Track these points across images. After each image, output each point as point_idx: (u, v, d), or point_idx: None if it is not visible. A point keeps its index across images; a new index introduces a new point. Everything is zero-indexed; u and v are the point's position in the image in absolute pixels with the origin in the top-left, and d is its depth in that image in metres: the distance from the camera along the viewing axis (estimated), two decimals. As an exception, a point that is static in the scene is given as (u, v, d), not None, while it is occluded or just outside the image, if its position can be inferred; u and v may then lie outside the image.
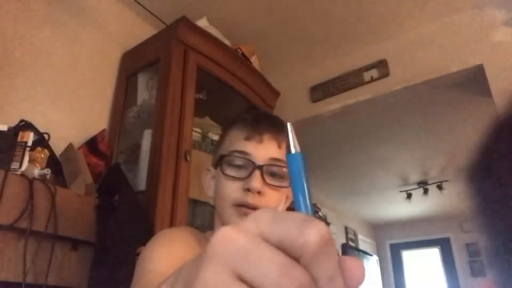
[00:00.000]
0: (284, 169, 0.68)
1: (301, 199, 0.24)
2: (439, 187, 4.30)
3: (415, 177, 4.30)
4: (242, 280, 0.18)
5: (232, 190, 0.67)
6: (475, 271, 5.10)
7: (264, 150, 0.68)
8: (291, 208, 0.71)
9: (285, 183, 0.69)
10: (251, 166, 0.67)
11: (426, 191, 4.46)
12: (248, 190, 0.65)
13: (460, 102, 2.63)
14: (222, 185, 0.70)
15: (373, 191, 4.74)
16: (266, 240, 0.19)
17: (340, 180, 4.35)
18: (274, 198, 0.68)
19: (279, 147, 0.70)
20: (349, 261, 0.20)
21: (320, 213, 3.93)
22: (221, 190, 0.69)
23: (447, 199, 4.57)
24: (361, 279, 0.20)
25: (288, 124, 0.27)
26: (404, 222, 5.89)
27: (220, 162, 0.71)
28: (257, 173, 0.66)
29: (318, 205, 3.92)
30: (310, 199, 0.24)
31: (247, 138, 0.69)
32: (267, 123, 0.72)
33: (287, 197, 0.72)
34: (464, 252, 5.27)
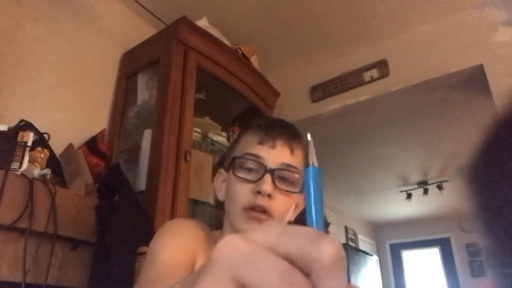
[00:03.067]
0: (296, 175, 0.69)
1: (315, 214, 0.24)
2: (439, 187, 4.30)
3: (415, 177, 4.30)
4: (243, 287, 0.18)
5: (243, 192, 0.68)
6: (475, 271, 5.10)
7: (276, 155, 0.69)
8: (299, 220, 0.71)
9: (296, 189, 0.69)
10: (263, 170, 0.67)
11: (426, 191, 4.46)
12: (259, 192, 0.66)
13: (460, 102, 2.63)
14: (233, 187, 0.70)
15: (373, 191, 4.74)
16: (273, 251, 0.19)
17: (340, 180, 4.35)
18: (284, 203, 0.68)
19: (291, 153, 0.70)
20: None
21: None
22: (232, 192, 0.70)
23: (447, 199, 4.57)
24: None
25: (309, 137, 0.27)
26: (404, 222, 5.89)
27: (232, 164, 0.71)
28: (268, 176, 0.67)
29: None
30: (322, 216, 0.24)
31: (261, 143, 0.70)
32: (281, 129, 0.72)
33: (296, 205, 0.72)
34: (464, 252, 5.27)
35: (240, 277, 0.18)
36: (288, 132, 0.72)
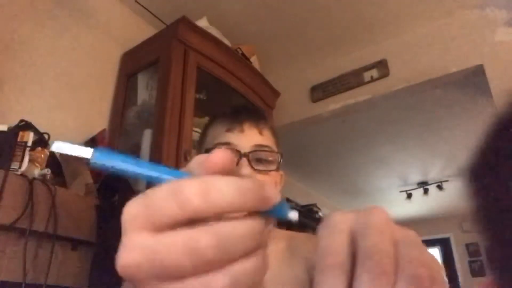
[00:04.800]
0: (269, 154, 0.70)
1: (154, 175, 0.22)
2: (439, 187, 4.30)
3: (415, 177, 4.30)
4: None
5: None
6: (475, 271, 5.10)
7: (246, 138, 0.70)
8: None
9: (273, 167, 0.70)
10: (237, 155, 0.68)
11: (426, 191, 4.46)
12: None
13: (460, 102, 2.63)
14: None
15: (373, 191, 4.74)
16: None
17: (340, 180, 4.35)
18: (266, 182, 0.68)
19: (261, 133, 0.72)
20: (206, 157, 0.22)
21: (320, 213, 3.92)
22: None
23: (447, 199, 4.58)
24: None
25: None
26: (404, 222, 5.86)
27: None
28: (244, 160, 0.67)
29: (318, 205, 3.91)
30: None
31: (229, 130, 0.70)
32: (246, 113, 0.73)
33: (276, 182, 0.73)
34: (464, 252, 5.27)
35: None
36: (253, 114, 0.74)
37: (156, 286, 0.19)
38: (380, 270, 0.19)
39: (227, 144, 0.69)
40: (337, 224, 0.22)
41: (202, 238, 0.18)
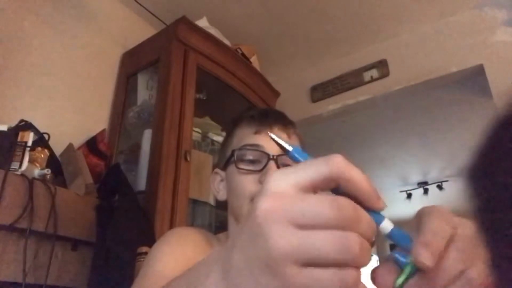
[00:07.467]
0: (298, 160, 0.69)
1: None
2: (439, 187, 4.30)
3: (415, 177, 4.30)
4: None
5: (249, 184, 0.66)
6: (475, 271, 5.09)
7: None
8: None
9: None
10: (265, 158, 0.66)
11: (426, 191, 4.46)
12: None
13: (460, 102, 2.63)
14: (236, 181, 0.68)
15: (373, 191, 4.74)
16: None
17: (340, 180, 4.34)
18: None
19: (289, 138, 0.71)
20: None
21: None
22: (236, 186, 0.68)
23: (447, 199, 4.57)
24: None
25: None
26: (404, 222, 5.88)
27: (232, 158, 0.69)
28: (272, 163, 0.66)
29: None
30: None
31: (257, 132, 0.69)
32: (275, 116, 0.72)
33: None
34: (464, 252, 5.26)
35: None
36: (282, 118, 0.73)
37: (298, 270, 0.22)
38: None
39: (255, 145, 0.68)
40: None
41: (351, 236, 0.23)
